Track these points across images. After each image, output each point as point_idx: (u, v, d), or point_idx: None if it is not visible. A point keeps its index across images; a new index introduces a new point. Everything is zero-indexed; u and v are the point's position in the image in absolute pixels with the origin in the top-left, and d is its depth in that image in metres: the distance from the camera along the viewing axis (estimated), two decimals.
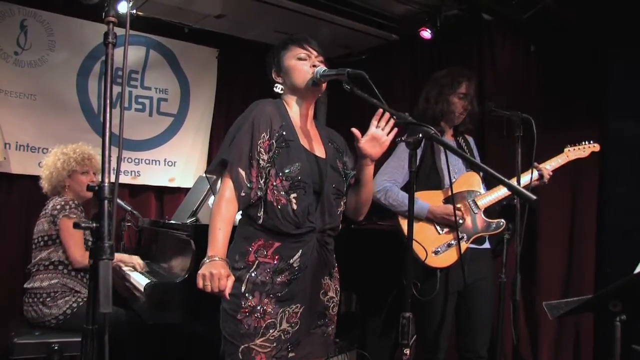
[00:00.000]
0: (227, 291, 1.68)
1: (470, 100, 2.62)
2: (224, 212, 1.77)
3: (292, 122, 1.90)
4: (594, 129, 3.24)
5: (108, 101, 1.24)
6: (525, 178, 2.53)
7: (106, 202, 1.18)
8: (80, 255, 2.92)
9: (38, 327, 2.89)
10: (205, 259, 1.71)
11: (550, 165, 2.61)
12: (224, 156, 1.81)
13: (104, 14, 1.34)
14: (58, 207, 2.98)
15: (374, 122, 1.80)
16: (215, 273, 1.66)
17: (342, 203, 1.94)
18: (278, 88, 1.96)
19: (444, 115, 2.60)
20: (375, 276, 3.11)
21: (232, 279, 1.70)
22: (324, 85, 1.91)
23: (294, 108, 1.94)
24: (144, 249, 3.79)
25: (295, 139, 1.85)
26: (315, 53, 1.93)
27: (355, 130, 1.81)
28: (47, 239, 2.99)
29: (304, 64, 1.90)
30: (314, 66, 1.89)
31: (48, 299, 2.88)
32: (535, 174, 2.57)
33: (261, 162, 1.79)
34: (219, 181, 1.86)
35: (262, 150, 1.80)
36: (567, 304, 1.96)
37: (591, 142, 2.66)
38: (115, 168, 1.21)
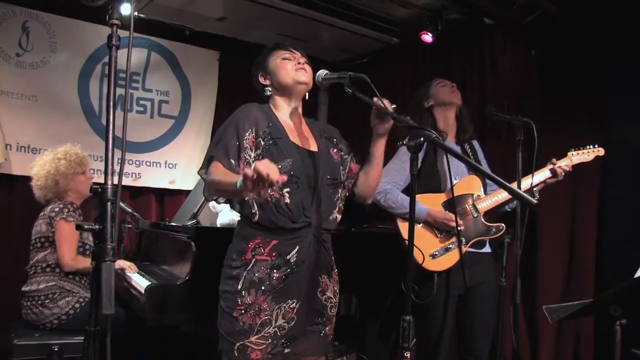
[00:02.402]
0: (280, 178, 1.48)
1: (455, 88, 2.66)
2: (227, 173, 1.73)
3: (279, 121, 1.92)
4: (595, 133, 3.23)
5: (111, 103, 1.25)
6: (538, 176, 2.53)
7: (109, 204, 1.19)
8: (70, 258, 2.94)
9: (38, 328, 2.90)
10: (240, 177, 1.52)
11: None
12: (211, 153, 1.83)
13: (107, 16, 1.34)
14: (56, 209, 3.01)
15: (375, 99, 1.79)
16: (265, 161, 1.47)
17: (339, 191, 1.95)
18: (267, 91, 1.99)
19: (438, 113, 2.62)
20: (375, 279, 3.11)
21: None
22: (310, 82, 1.93)
23: (282, 109, 1.97)
24: (144, 250, 3.79)
25: (283, 137, 1.88)
26: (298, 54, 1.97)
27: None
28: (44, 240, 3.01)
29: (288, 63, 1.95)
30: (299, 63, 1.94)
31: (47, 301, 2.90)
32: (547, 172, 2.56)
33: (247, 157, 1.82)
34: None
35: (247, 146, 1.82)
36: (567, 308, 1.97)
37: (595, 146, 2.61)
38: (119, 170, 1.21)
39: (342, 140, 2.08)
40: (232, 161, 1.79)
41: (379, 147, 1.92)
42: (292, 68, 1.93)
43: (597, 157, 2.63)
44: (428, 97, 2.66)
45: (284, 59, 1.95)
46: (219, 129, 1.90)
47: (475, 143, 2.78)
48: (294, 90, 1.96)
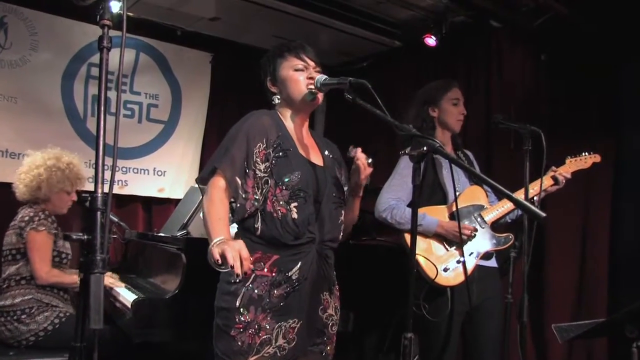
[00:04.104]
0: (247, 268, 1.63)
1: (463, 117, 2.67)
2: (219, 207, 1.77)
3: (288, 131, 1.93)
4: (606, 141, 3.26)
5: (102, 108, 1.25)
6: (539, 185, 2.55)
7: (99, 213, 1.19)
8: (45, 271, 2.90)
9: (12, 347, 2.85)
10: (215, 240, 1.67)
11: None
12: (216, 164, 1.82)
13: (98, 16, 1.33)
14: (26, 218, 2.96)
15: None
16: (237, 248, 1.61)
17: (342, 212, 1.97)
18: (275, 99, 1.98)
19: (438, 126, 2.64)
20: (376, 294, 3.11)
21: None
22: (321, 97, 1.93)
23: (289, 119, 1.97)
24: (130, 262, 3.78)
25: (293, 148, 1.89)
26: (312, 64, 1.95)
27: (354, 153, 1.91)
28: (15, 252, 2.97)
29: (300, 75, 1.92)
30: (311, 78, 1.91)
31: (23, 316, 2.85)
32: (549, 180, 2.58)
33: (258, 172, 1.81)
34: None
35: (258, 160, 1.82)
36: (578, 327, 1.98)
37: (591, 152, 2.66)
38: (109, 179, 1.22)
39: (343, 163, 2.08)
40: (238, 179, 1.79)
41: (356, 205, 2.06)
42: (304, 83, 1.91)
43: (600, 164, 2.67)
44: (435, 106, 2.66)
45: (297, 70, 1.93)
46: (226, 136, 1.88)
47: (470, 153, 2.81)
48: (305, 106, 1.96)
